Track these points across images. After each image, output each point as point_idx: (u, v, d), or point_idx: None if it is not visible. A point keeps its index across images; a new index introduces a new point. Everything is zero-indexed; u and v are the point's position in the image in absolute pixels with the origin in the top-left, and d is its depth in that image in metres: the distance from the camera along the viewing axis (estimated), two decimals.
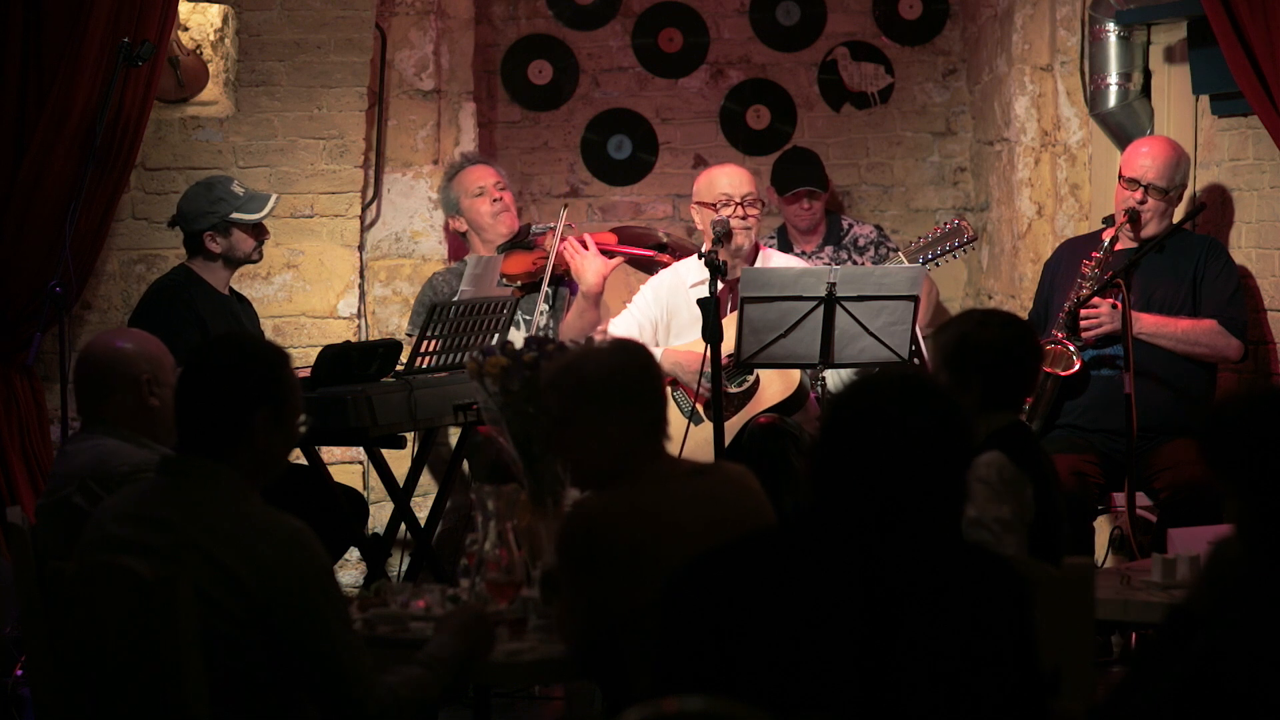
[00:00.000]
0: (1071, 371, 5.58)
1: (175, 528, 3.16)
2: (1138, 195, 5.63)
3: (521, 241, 6.17)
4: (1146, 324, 5.54)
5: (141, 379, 4.03)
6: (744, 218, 5.74)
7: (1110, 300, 5.55)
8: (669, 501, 3.41)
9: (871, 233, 6.86)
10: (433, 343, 5.28)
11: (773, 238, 6.98)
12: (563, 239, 5.98)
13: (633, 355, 3.53)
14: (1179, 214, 5.88)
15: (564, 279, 6.11)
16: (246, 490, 3.22)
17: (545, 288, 5.93)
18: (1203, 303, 5.62)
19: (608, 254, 6.00)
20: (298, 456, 5.32)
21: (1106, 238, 5.76)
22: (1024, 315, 6.05)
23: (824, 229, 6.88)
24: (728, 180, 5.82)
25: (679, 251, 6.10)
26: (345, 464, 6.44)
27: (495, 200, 6.23)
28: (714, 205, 5.76)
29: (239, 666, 3.14)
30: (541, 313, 6.01)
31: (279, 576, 3.11)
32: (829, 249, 6.82)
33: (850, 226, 6.89)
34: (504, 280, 5.99)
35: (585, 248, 5.97)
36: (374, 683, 3.18)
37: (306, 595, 3.12)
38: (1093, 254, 5.63)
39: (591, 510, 3.45)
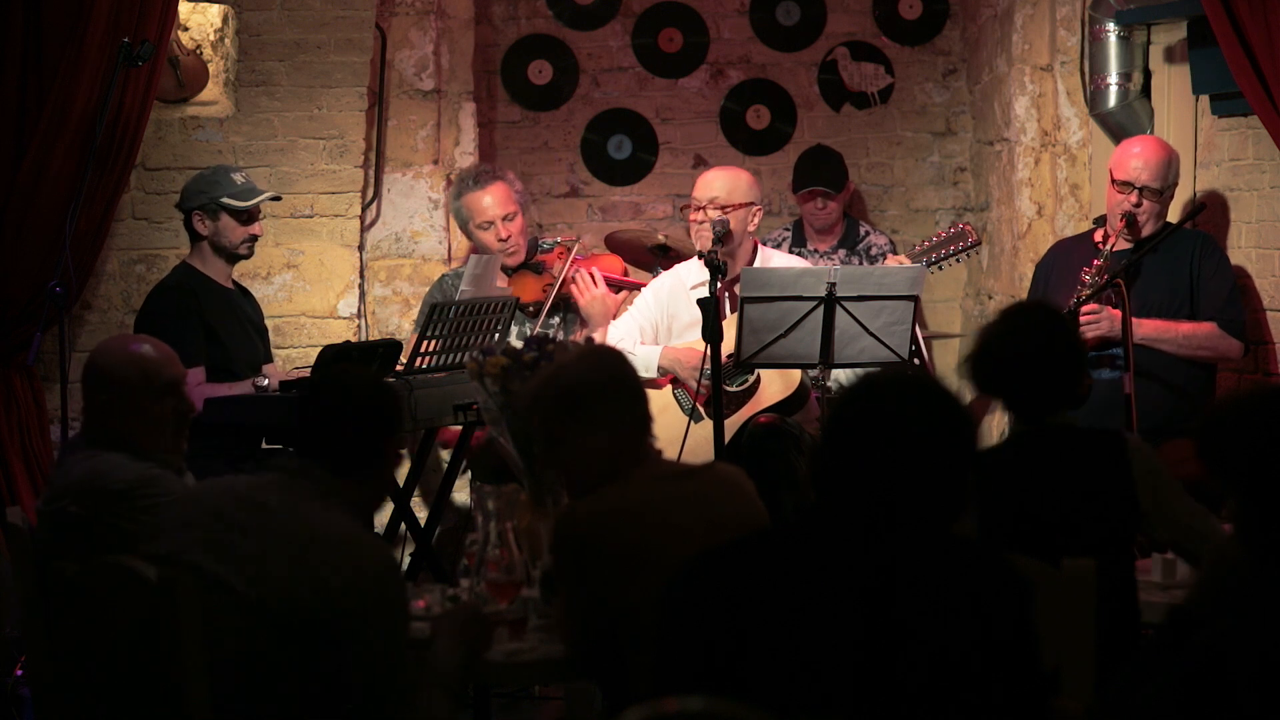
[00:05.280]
0: None
1: (274, 513, 3.27)
2: (1132, 198, 5.60)
3: (529, 264, 6.16)
4: (1148, 329, 5.53)
5: (150, 387, 3.99)
6: (700, 221, 5.75)
7: (1110, 303, 5.53)
8: (657, 502, 3.43)
9: (886, 244, 6.85)
10: (433, 343, 5.29)
11: (788, 229, 6.98)
12: (571, 267, 6.02)
13: (603, 362, 3.56)
14: (1178, 214, 5.87)
15: (571, 303, 6.12)
16: (349, 508, 3.36)
17: (544, 316, 6.00)
18: (1200, 305, 5.60)
19: (614, 286, 6.04)
20: None
21: (1098, 238, 5.74)
22: None
23: (841, 230, 6.87)
24: (697, 184, 5.87)
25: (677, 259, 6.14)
26: None
27: (502, 239, 6.11)
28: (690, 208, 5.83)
29: (255, 670, 3.16)
30: (553, 328, 6.10)
31: (365, 594, 3.22)
32: (842, 251, 6.81)
33: (867, 234, 6.88)
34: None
35: (594, 283, 5.99)
36: (413, 706, 3.28)
37: (383, 620, 3.24)
38: (1093, 262, 5.59)
39: (580, 514, 3.46)
